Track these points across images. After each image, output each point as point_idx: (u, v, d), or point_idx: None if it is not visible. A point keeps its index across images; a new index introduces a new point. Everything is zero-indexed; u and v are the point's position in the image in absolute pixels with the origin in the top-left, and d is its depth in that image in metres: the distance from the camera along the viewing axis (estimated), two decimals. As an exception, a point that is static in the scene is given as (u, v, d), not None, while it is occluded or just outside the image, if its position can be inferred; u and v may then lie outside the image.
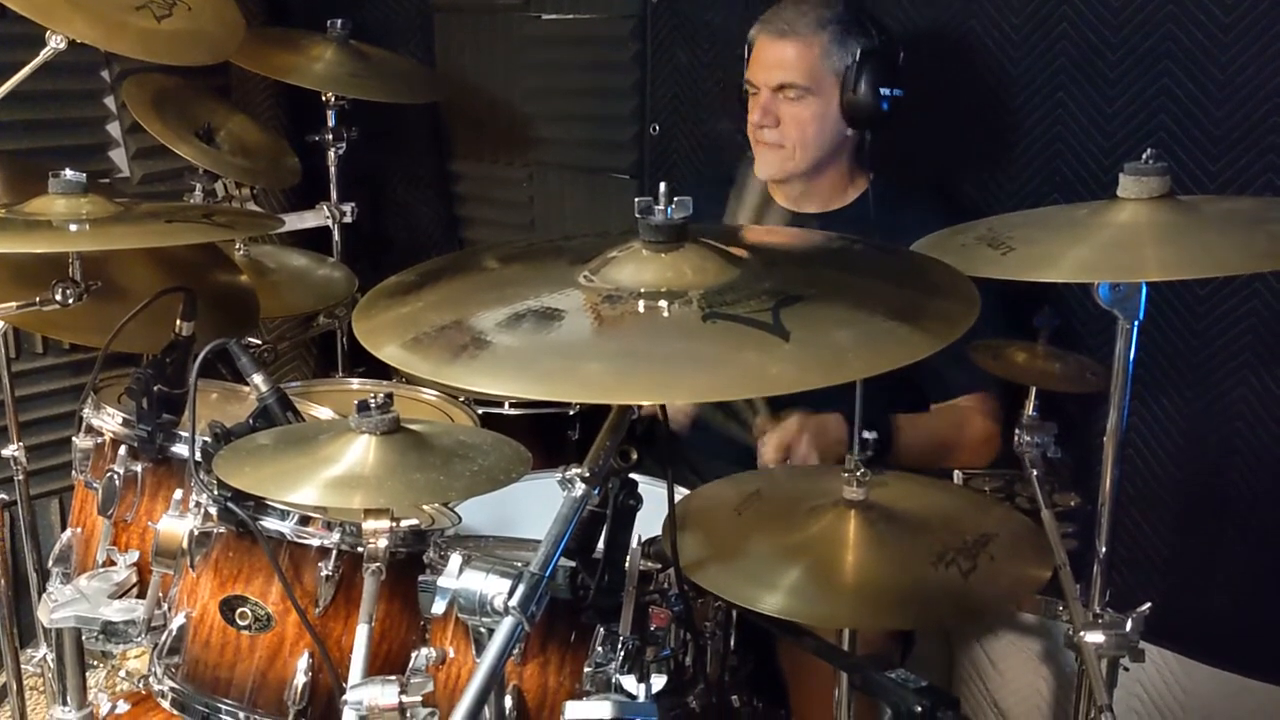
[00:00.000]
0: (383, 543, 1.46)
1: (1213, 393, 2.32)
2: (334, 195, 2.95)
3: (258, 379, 1.70)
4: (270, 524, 1.66)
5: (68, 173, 1.79)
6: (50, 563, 2.01)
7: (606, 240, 1.41)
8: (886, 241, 2.25)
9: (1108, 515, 1.64)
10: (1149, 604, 1.66)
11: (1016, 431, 1.84)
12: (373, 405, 1.47)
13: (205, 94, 2.83)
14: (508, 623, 1.13)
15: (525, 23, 3.25)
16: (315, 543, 1.65)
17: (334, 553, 1.64)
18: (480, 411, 2.52)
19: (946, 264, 1.35)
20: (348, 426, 1.49)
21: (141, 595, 1.89)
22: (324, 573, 1.63)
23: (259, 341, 2.72)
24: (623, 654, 1.47)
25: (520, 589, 1.14)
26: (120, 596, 1.85)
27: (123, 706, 1.86)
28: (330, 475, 1.45)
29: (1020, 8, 2.46)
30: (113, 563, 1.91)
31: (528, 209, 3.40)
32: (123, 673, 3.00)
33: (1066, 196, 2.48)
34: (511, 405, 2.67)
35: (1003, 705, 2.61)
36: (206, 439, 1.63)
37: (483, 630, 1.36)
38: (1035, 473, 1.80)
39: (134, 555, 1.91)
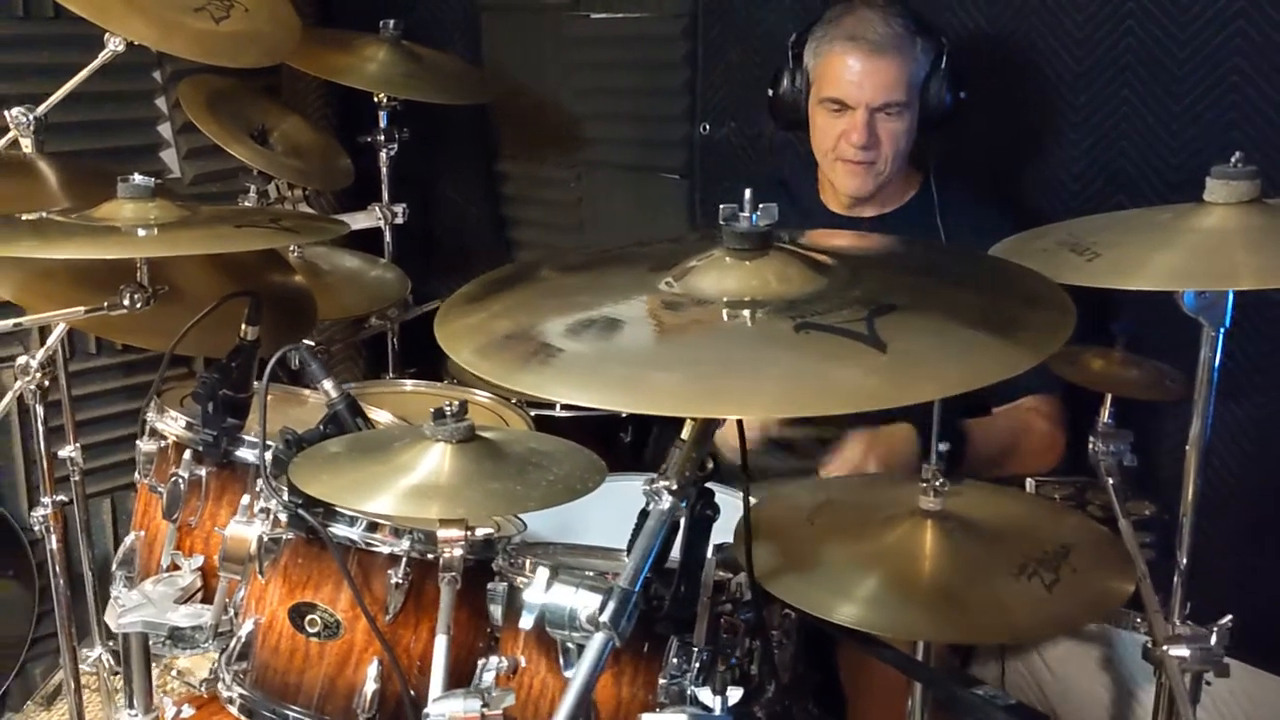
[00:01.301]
0: (458, 551, 1.45)
1: (1277, 389, 2.28)
2: (385, 196, 2.94)
3: (328, 385, 1.69)
4: (339, 530, 1.65)
5: (136, 177, 1.78)
6: (114, 566, 2.01)
7: (684, 246, 1.38)
8: (949, 241, 2.25)
9: (1189, 526, 1.60)
10: (1230, 616, 1.62)
11: (1090, 439, 1.81)
12: (448, 413, 1.46)
13: (258, 95, 2.82)
14: (599, 638, 1.12)
15: (574, 22, 3.23)
16: (385, 550, 1.64)
17: (403, 560, 1.63)
18: (532, 414, 2.51)
19: (1036, 272, 1.32)
20: (422, 434, 1.48)
21: (206, 600, 1.89)
22: (394, 580, 1.62)
23: (311, 344, 2.71)
24: (698, 665, 1.45)
25: (611, 604, 1.12)
26: (185, 601, 1.85)
27: (187, 711, 1.85)
28: (407, 484, 1.43)
29: (1084, 5, 2.42)
30: (177, 567, 1.91)
31: (575, 209, 3.38)
32: (174, 673, 3.01)
33: (1131, 198, 2.44)
34: (563, 408, 2.66)
35: (1061, 713, 2.57)
36: (277, 445, 1.62)
37: (570, 645, 1.34)
38: (1111, 482, 1.77)
39: (199, 560, 1.90)
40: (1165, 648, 1.55)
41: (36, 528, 2.30)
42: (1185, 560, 1.61)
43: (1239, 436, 2.32)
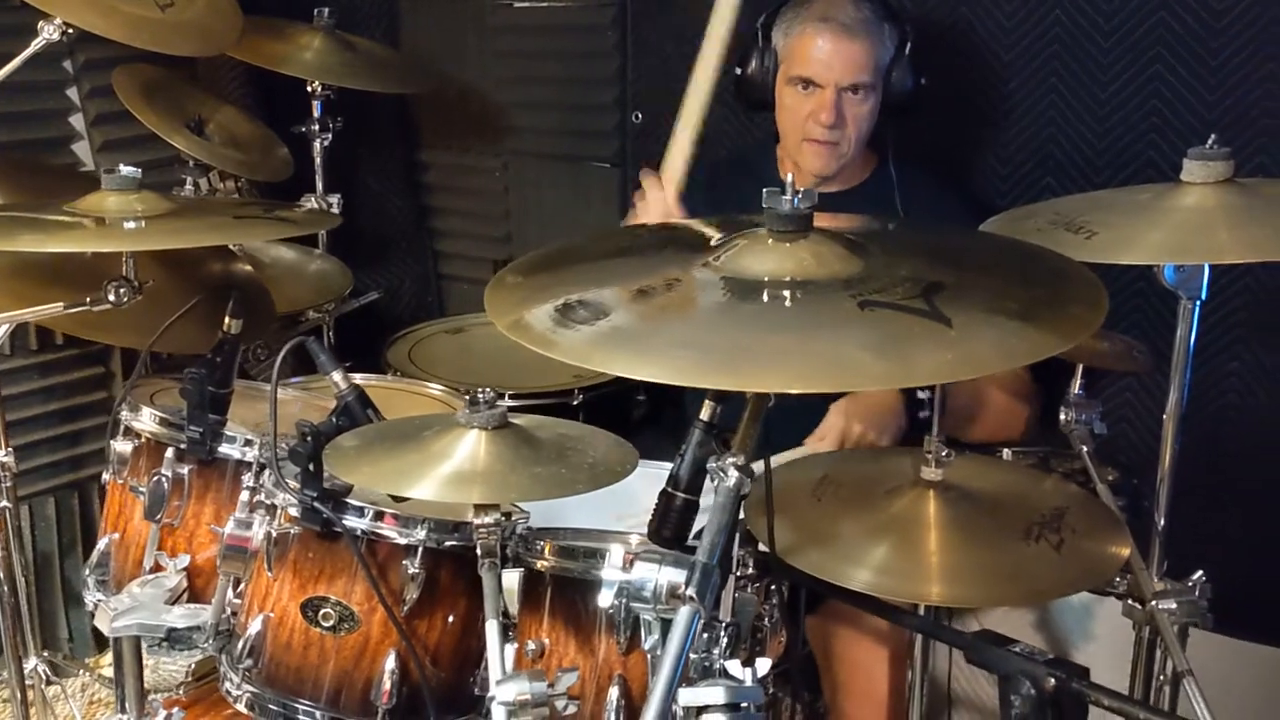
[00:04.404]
0: (494, 537, 1.46)
1: (1207, 367, 2.41)
2: (320, 187, 2.89)
3: (337, 376, 1.68)
4: (350, 522, 1.63)
5: (123, 169, 1.73)
6: (86, 571, 1.95)
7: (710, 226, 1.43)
8: (907, 216, 2.33)
9: (1166, 489, 1.70)
10: (1201, 571, 1.73)
11: (1062, 409, 1.90)
12: (482, 400, 1.47)
13: (192, 85, 2.75)
14: (686, 611, 1.15)
15: (496, 11, 3.22)
16: (401, 540, 1.63)
17: (419, 550, 1.62)
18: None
19: (1053, 251, 1.40)
20: (455, 422, 1.48)
21: (192, 600, 1.85)
22: (410, 570, 1.62)
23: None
24: (725, 640, 1.48)
25: (696, 578, 1.15)
26: (174, 602, 1.81)
27: (178, 714, 1.81)
28: (450, 471, 1.44)
29: (1013, -7, 2.53)
30: (160, 568, 1.87)
31: (502, 198, 3.38)
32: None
33: (1059, 180, 2.55)
34: (511, 397, 2.66)
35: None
36: (295, 440, 1.59)
37: (649, 618, 1.36)
38: (1086, 449, 1.86)
39: (184, 560, 1.86)
40: (1154, 602, 1.65)
41: (-18, 536, 2.22)
42: (1163, 521, 1.71)
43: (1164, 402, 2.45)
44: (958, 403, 2.24)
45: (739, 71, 2.39)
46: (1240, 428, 2.42)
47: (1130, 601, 1.73)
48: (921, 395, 2.19)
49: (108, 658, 3.12)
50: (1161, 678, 1.71)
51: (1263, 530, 2.41)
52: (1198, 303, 1.62)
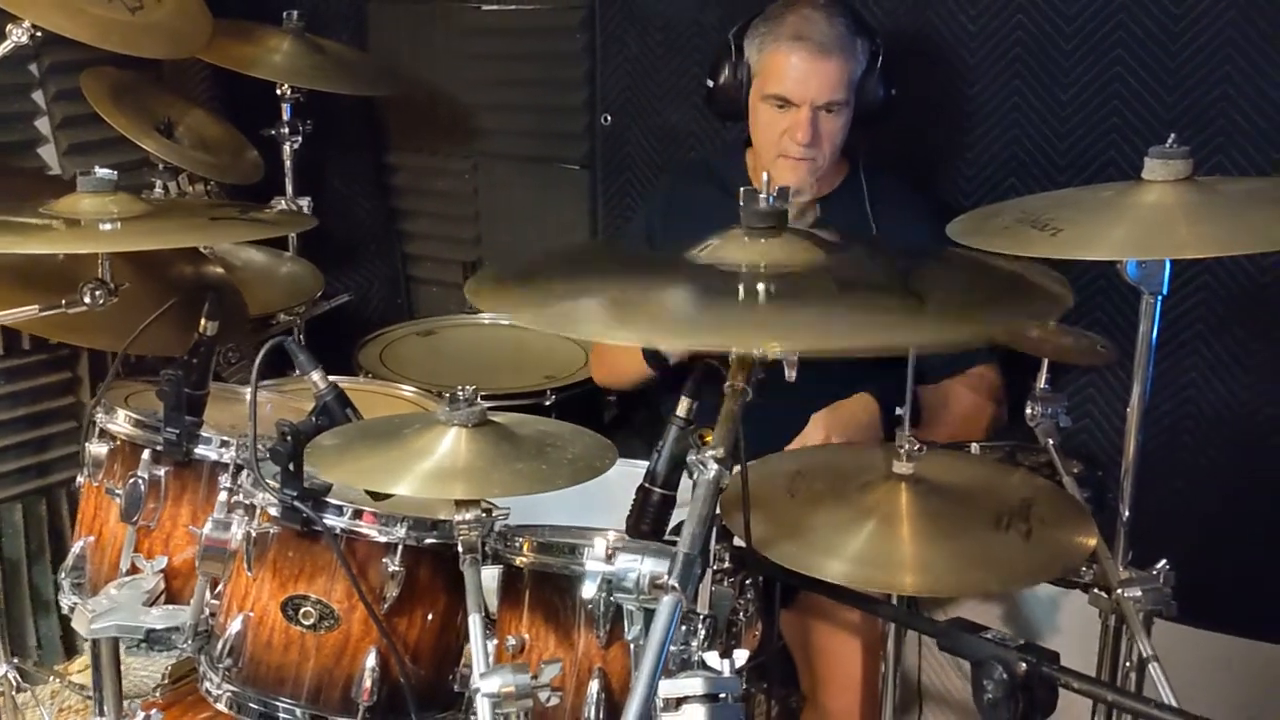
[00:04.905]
0: (476, 533, 1.47)
1: (1168, 361, 2.47)
2: (290, 190, 2.89)
3: (316, 376, 1.69)
4: (330, 520, 1.65)
5: (98, 170, 1.73)
6: (62, 574, 1.95)
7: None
8: (877, 225, 2.36)
9: (1130, 481, 1.74)
10: (1165, 560, 1.77)
11: (1029, 403, 1.94)
12: (461, 398, 1.48)
13: (160, 88, 2.74)
14: (669, 600, 1.17)
15: (464, 14, 3.24)
16: (381, 538, 1.64)
17: (399, 548, 1.63)
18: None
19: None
20: (435, 420, 1.50)
21: (169, 601, 1.85)
22: (390, 568, 1.63)
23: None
24: (703, 632, 1.50)
25: (678, 568, 1.18)
26: (152, 604, 1.81)
27: (156, 716, 1.81)
28: (429, 468, 1.45)
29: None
30: (138, 570, 1.87)
31: (472, 200, 3.39)
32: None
33: (1023, 181, 2.60)
34: (484, 398, 2.67)
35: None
36: (275, 440, 1.60)
37: (632, 608, 1.38)
38: (1051, 442, 1.90)
39: (161, 562, 1.86)
40: (1120, 590, 1.69)
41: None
42: (1128, 513, 1.75)
43: (1125, 398, 2.49)
44: (927, 400, 2.28)
45: (710, 84, 2.39)
46: (1200, 421, 2.47)
47: (1096, 590, 1.77)
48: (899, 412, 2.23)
49: (77, 664, 3.11)
50: (1127, 664, 1.75)
51: (1223, 521, 2.47)
52: (1159, 298, 1.66)
